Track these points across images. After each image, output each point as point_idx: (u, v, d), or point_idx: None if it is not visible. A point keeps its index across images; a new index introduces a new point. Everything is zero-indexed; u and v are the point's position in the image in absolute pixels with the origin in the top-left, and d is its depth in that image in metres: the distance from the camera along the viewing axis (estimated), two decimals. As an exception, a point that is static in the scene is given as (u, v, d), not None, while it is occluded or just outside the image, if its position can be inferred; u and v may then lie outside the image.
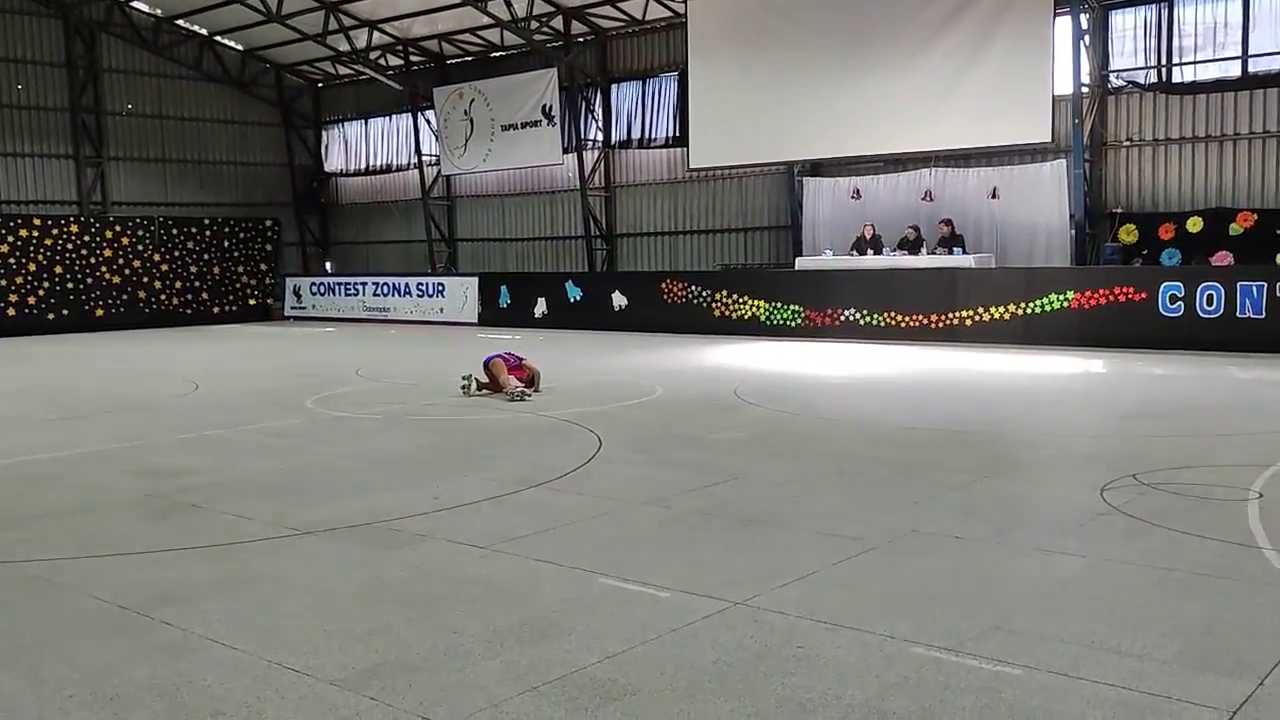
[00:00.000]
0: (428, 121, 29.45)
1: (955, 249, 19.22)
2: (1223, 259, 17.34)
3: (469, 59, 28.81)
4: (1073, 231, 19.13)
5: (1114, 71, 19.35)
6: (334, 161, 33.34)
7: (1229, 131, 18.42)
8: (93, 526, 7.07)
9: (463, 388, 12.95)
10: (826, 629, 4.86)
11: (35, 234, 26.17)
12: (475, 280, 26.32)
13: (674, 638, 4.80)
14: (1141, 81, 19.14)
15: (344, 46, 28.22)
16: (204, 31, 29.92)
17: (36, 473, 8.91)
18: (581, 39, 26.12)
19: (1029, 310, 17.51)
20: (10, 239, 25.76)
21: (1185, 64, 18.66)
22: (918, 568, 5.79)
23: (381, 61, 29.18)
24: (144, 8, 28.78)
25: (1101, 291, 16.88)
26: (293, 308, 30.48)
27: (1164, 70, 18.85)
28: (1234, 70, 18.21)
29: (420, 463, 9.07)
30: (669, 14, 24.03)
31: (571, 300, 23.91)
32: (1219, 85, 18.34)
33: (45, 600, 5.56)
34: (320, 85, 32.90)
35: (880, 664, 4.46)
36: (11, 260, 25.77)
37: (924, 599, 5.26)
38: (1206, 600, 5.19)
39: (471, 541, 6.45)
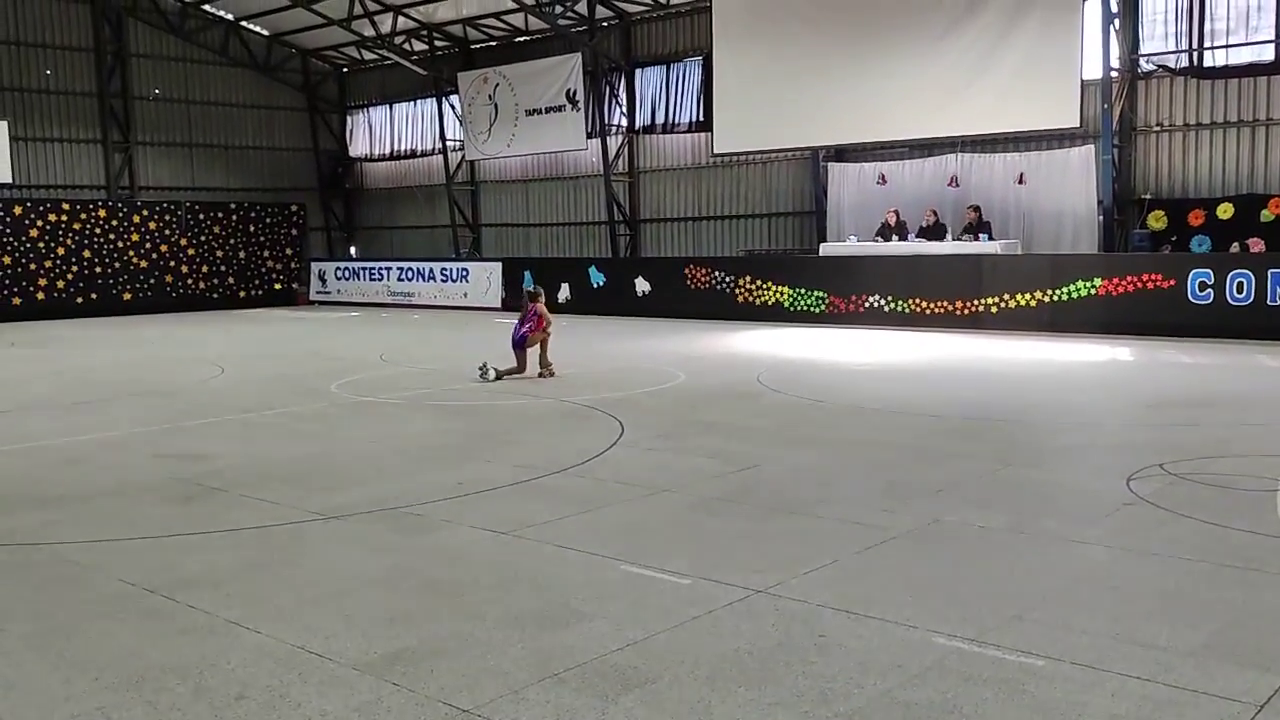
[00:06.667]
0: (452, 107, 29.46)
1: (982, 235, 19.07)
2: (1255, 246, 17.13)
3: (493, 44, 28.77)
4: (1101, 218, 18.92)
5: (1144, 55, 19.09)
6: (359, 146, 33.41)
7: (1261, 116, 18.14)
8: (119, 510, 7.13)
9: (481, 375, 12.91)
10: (848, 618, 4.85)
11: (64, 218, 26.39)
12: (499, 265, 26.35)
13: (695, 625, 4.80)
14: (1172, 65, 18.88)
15: (369, 31, 28.21)
16: (230, 16, 30.02)
17: (63, 456, 9.00)
18: (606, 23, 26.02)
19: (1056, 297, 17.36)
20: (39, 223, 25.98)
21: (1217, 48, 18.34)
22: (940, 557, 5.76)
23: (406, 46, 29.19)
24: (170, -7, 28.94)
25: (1130, 278, 16.71)
26: (318, 292, 30.61)
27: (1195, 54, 18.57)
28: (1267, 54, 17.90)
29: (443, 448, 9.09)
30: (694, -2, 23.92)
31: (595, 285, 23.89)
32: (1251, 69, 18.04)
33: (72, 583, 5.62)
34: (345, 70, 32.95)
35: (902, 653, 4.44)
36: (40, 244, 26.01)
37: (947, 588, 5.24)
38: (1233, 592, 5.13)
39: (493, 527, 6.46)
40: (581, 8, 25.38)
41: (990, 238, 19.03)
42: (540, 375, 13.01)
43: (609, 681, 4.23)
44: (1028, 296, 17.64)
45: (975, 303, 18.19)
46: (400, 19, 27.78)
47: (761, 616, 4.89)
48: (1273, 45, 17.75)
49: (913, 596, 5.11)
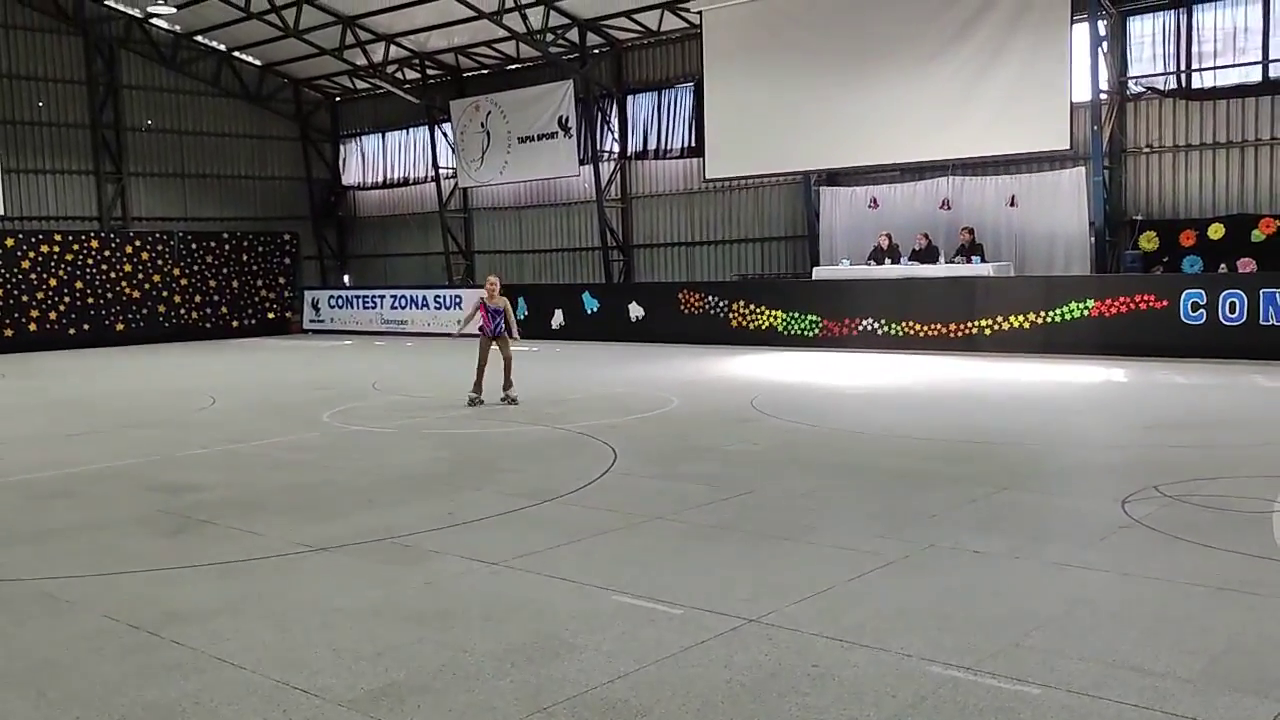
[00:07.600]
0: (444, 134, 29.53)
1: (974, 258, 19.09)
2: (1246, 266, 17.17)
3: (485, 72, 28.89)
4: (1092, 239, 18.97)
5: (1133, 78, 19.19)
6: (351, 175, 33.47)
7: (1250, 137, 18.23)
8: (106, 543, 7.06)
9: (470, 402, 13.06)
10: (842, 646, 4.78)
11: (56, 249, 26.36)
12: (492, 292, 26.30)
13: (687, 656, 4.73)
14: (1160, 87, 18.97)
15: (361, 61, 28.34)
16: (222, 47, 30.12)
17: (51, 488, 8.92)
18: (597, 51, 26.13)
19: (1049, 319, 17.37)
20: (32, 254, 25.95)
21: (1205, 69, 18.47)
22: (935, 583, 5.70)
23: (398, 75, 29.29)
24: (163, 24, 29.01)
25: (1122, 299, 16.73)
26: (311, 321, 30.57)
27: (1183, 76, 18.68)
28: (1254, 75, 18.01)
29: (434, 477, 9.03)
30: (684, 25, 24.02)
31: (588, 311, 23.88)
32: (1239, 90, 18.15)
33: (55, 618, 5.54)
34: (338, 99, 33.05)
35: (896, 683, 4.38)
36: (33, 276, 25.96)
37: (941, 615, 5.18)
38: (1231, 616, 5.08)
39: (484, 557, 6.39)
40: (573, 35, 25.52)
41: (983, 260, 19.05)
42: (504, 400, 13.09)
43: (599, 715, 4.16)
44: (1021, 318, 17.65)
45: (969, 325, 18.19)
46: (392, 48, 27.91)
47: (754, 646, 4.82)
48: (1259, 67, 17.87)
49: (907, 624, 5.05)
